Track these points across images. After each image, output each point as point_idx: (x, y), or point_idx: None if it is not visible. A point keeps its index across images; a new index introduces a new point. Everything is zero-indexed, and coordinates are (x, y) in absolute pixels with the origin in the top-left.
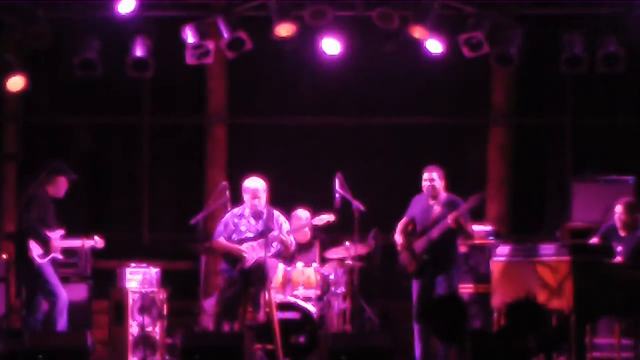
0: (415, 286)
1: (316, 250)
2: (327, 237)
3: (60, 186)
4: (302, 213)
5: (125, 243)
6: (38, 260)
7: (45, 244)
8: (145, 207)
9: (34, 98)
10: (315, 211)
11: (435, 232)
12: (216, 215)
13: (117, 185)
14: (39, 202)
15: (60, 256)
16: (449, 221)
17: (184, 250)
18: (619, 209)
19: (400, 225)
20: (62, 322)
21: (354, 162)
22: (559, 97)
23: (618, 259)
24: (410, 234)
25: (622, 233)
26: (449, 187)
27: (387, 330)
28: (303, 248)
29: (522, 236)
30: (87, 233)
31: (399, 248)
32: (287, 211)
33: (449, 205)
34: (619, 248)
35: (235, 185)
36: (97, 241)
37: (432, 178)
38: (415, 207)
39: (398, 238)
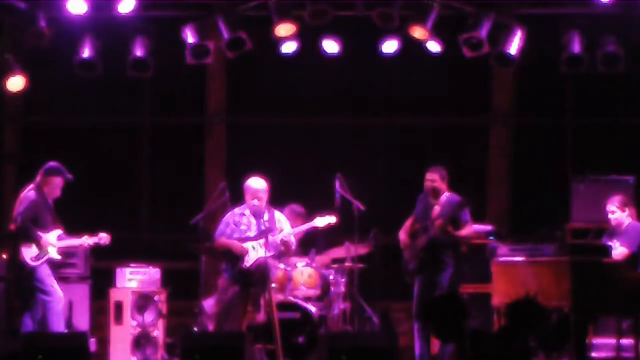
0: (416, 284)
1: (313, 250)
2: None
3: (55, 186)
4: (296, 208)
5: (125, 243)
6: (30, 263)
7: (36, 243)
8: (145, 207)
9: (34, 98)
10: (316, 211)
11: (432, 232)
12: (216, 215)
13: (117, 186)
14: (33, 202)
15: (56, 257)
16: (436, 226)
17: (184, 250)
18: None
19: (405, 224)
20: (59, 323)
21: (354, 162)
22: (559, 97)
23: (624, 251)
24: (414, 232)
25: (618, 229)
26: (450, 187)
27: (387, 330)
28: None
29: (522, 236)
30: (87, 232)
31: (402, 246)
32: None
33: (446, 206)
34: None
35: (235, 185)
36: (103, 237)
37: (432, 179)
38: (419, 206)
39: (401, 236)
